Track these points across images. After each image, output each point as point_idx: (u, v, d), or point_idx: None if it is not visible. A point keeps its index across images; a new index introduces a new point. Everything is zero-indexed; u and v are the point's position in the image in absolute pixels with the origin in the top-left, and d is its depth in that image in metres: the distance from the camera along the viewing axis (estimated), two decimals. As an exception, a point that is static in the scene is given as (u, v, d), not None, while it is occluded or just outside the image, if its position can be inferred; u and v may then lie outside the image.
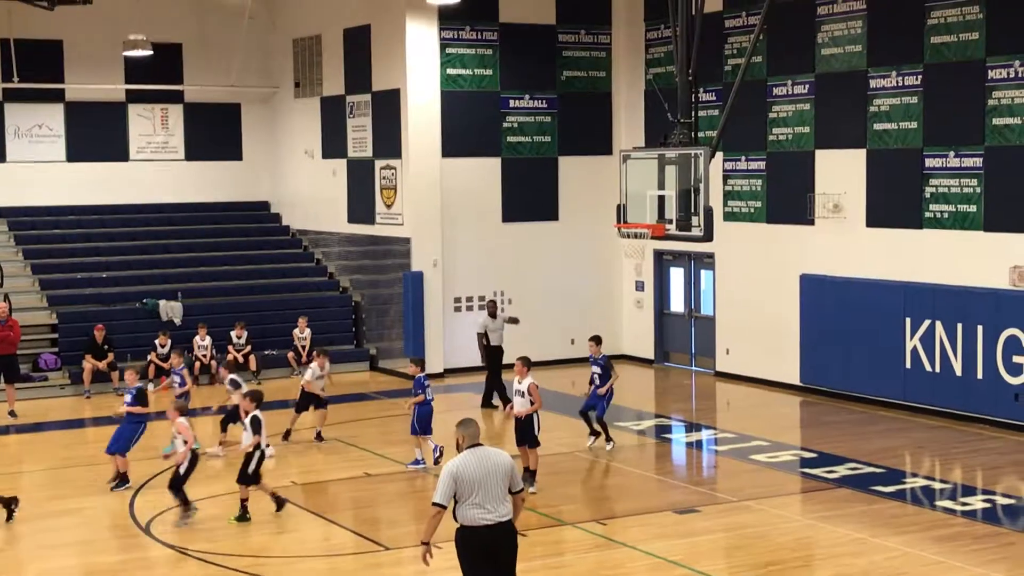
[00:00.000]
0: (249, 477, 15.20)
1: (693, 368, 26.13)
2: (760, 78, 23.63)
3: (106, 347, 24.31)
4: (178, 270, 27.71)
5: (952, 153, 20.56)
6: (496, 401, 21.97)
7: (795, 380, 23.32)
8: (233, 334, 25.41)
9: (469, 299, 26.11)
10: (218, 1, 28.20)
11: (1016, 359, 19.44)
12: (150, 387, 23.34)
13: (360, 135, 27.07)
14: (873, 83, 21.75)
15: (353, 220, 27.66)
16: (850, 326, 22.04)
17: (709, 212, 17.62)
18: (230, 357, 24.81)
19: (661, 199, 18.20)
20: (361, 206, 27.19)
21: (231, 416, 18.60)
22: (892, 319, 21.28)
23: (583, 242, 26.89)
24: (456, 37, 25.67)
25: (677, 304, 26.59)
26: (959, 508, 15.59)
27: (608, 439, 18.76)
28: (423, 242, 25.48)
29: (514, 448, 16.51)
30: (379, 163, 26.43)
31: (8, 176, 28.22)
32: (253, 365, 25.43)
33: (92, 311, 25.58)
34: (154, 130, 29.63)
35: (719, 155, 22.89)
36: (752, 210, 24.25)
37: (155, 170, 29.59)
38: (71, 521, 15.55)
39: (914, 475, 17.49)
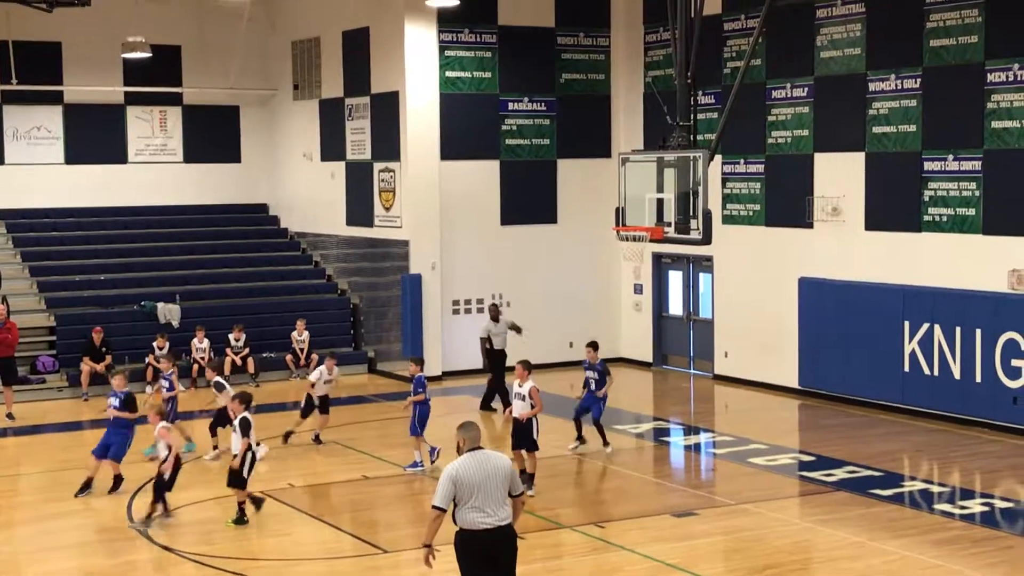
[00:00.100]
0: (243, 480, 15.17)
1: (692, 371, 26.12)
2: (759, 81, 23.63)
3: (104, 349, 24.30)
4: (176, 272, 27.69)
5: (951, 156, 20.57)
6: (496, 404, 21.95)
7: (794, 383, 23.32)
8: (231, 336, 25.38)
9: (468, 302, 26.10)
10: (217, 3, 28.19)
11: (1015, 362, 19.43)
12: (148, 389, 23.39)
13: (359, 137, 27.06)
14: (872, 86, 21.76)
15: (352, 223, 27.65)
16: (849, 329, 22.04)
17: (708, 215, 17.62)
18: (228, 359, 24.85)
19: (660, 202, 18.19)
20: (360, 209, 27.19)
21: (220, 419, 18.44)
22: (891, 322, 21.28)
23: (582, 245, 26.88)
24: (455, 40, 25.66)
25: (676, 307, 26.59)
26: (958, 511, 15.58)
27: (605, 442, 18.75)
28: (422, 245, 25.47)
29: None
30: (378, 166, 26.43)
31: (6, 178, 28.21)
32: (251, 367, 25.41)
33: (90, 313, 25.55)
34: (153, 132, 29.63)
35: (718, 158, 22.89)
36: (751, 213, 24.25)
37: (154, 172, 29.58)
38: (69, 523, 15.53)
39: (912, 478, 17.48)
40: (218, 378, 18.61)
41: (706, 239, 17.76)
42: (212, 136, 30.12)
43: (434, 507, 10.00)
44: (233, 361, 25.03)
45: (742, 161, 24.31)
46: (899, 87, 21.32)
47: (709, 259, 25.07)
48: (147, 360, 24.44)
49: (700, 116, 19.72)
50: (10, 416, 21.90)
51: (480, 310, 25.66)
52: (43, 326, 25.35)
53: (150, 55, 27.51)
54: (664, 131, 18.97)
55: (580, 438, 18.95)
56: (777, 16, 20.99)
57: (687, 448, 20.57)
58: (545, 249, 26.73)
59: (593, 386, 18.72)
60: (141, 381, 23.75)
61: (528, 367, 16.74)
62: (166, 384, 19.13)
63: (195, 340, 25.02)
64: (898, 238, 21.47)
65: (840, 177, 22.36)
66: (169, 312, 25.97)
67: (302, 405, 19.73)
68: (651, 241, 18.74)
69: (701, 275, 25.81)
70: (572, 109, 26.83)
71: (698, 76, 18.69)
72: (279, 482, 17.10)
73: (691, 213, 17.72)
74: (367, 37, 26.46)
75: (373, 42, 26.28)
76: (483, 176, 26.19)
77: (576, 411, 18.99)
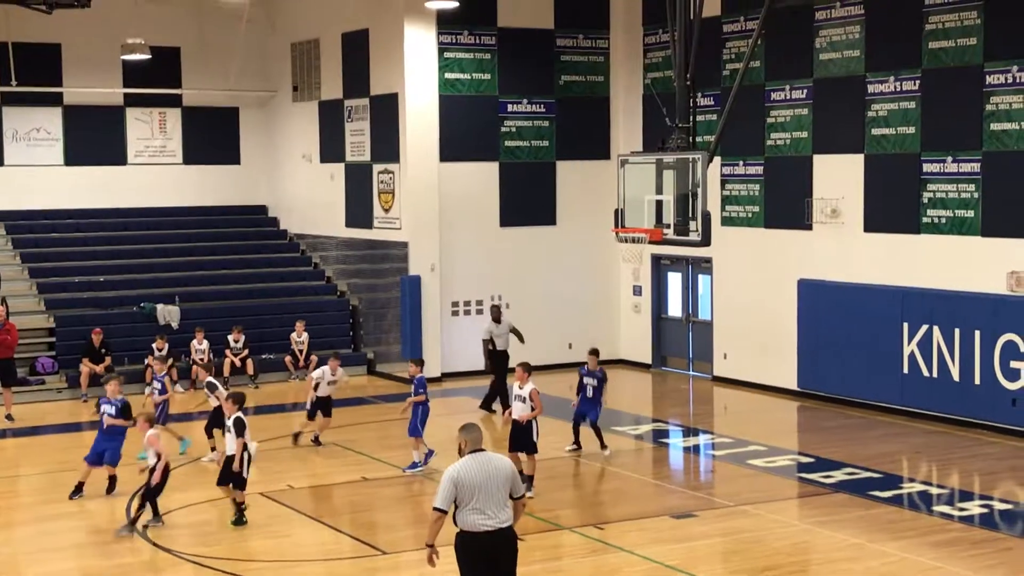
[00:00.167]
0: (242, 480, 15.18)
1: (691, 372, 26.12)
2: (758, 83, 23.64)
3: (103, 351, 24.30)
4: (176, 274, 27.70)
5: (950, 158, 20.58)
6: (496, 406, 21.93)
7: (792, 385, 23.32)
8: (231, 338, 25.38)
9: (467, 303, 26.10)
10: (216, 5, 28.21)
11: (1013, 364, 19.44)
12: (147, 390, 23.36)
13: (358, 139, 27.07)
14: (871, 88, 21.77)
15: (351, 224, 27.66)
16: (848, 331, 22.04)
17: (707, 217, 17.64)
18: (227, 361, 24.85)
19: (659, 204, 18.21)
20: (359, 210, 27.19)
21: (215, 420, 18.40)
22: (889, 324, 21.29)
23: (581, 247, 26.89)
24: (454, 41, 25.67)
25: (675, 309, 26.59)
26: (956, 513, 15.59)
27: (603, 446, 18.73)
28: (421, 246, 25.47)
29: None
30: (377, 167, 26.43)
31: (6, 180, 28.23)
32: (251, 369, 25.41)
33: (89, 315, 25.55)
34: (152, 134, 29.65)
35: (717, 160, 22.87)
36: (750, 215, 24.26)
37: (153, 174, 29.60)
38: (67, 524, 15.54)
39: (911, 480, 17.48)
40: (210, 378, 18.59)
41: (705, 241, 17.78)
42: (212, 137, 30.14)
43: (435, 509, 9.99)
44: (232, 362, 25.04)
45: (741, 163, 24.32)
46: (898, 89, 21.33)
47: (708, 261, 25.08)
48: (146, 361, 24.42)
49: (699, 118, 19.76)
50: (9, 417, 21.90)
51: (479, 311, 25.67)
52: (42, 327, 25.35)
53: (149, 56, 27.54)
54: (663, 133, 19.00)
55: (577, 443, 18.95)
56: (776, 18, 21.02)
57: (686, 450, 20.58)
58: (544, 251, 26.73)
59: (591, 393, 18.69)
60: (141, 382, 23.74)
61: (528, 369, 16.75)
62: (158, 386, 19.10)
63: (194, 341, 25.02)
64: (897, 240, 21.48)
65: (839, 179, 22.37)
66: (168, 313, 25.98)
67: (307, 407, 19.72)
68: (650, 243, 18.76)
69: (700, 277, 25.81)
70: (571, 111, 26.84)
71: (697, 78, 18.72)
72: (278, 483, 17.11)
73: (690, 215, 17.75)
74: (366, 39, 26.47)
75: (372, 44, 26.29)
76: (482, 178, 26.19)
77: (575, 417, 18.97)
